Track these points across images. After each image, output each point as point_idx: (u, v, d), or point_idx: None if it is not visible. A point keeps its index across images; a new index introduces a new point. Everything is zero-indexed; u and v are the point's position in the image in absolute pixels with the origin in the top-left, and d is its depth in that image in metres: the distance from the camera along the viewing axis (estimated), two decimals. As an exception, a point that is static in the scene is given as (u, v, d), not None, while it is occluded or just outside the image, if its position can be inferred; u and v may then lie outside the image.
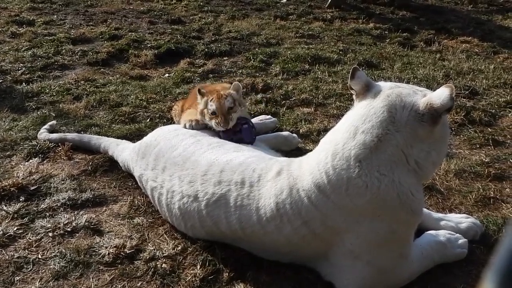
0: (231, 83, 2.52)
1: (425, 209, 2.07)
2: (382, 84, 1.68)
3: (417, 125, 1.53)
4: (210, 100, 2.31)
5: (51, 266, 1.86)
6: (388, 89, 1.61)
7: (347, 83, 1.71)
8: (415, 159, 1.56)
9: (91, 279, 1.80)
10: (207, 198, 1.83)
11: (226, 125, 2.26)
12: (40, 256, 1.92)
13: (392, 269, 1.67)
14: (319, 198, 1.61)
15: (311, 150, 1.85)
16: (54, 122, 2.98)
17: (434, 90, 1.59)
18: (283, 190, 1.68)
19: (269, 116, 3.04)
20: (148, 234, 2.04)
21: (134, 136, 2.83)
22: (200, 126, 2.34)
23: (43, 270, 1.85)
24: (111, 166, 2.55)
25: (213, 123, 2.29)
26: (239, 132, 2.32)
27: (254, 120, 2.95)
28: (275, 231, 1.69)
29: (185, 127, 2.35)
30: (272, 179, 1.73)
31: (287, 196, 1.67)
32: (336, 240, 1.64)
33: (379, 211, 1.57)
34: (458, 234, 1.90)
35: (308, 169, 1.66)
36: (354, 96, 1.73)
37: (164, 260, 1.88)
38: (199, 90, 2.40)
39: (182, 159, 2.00)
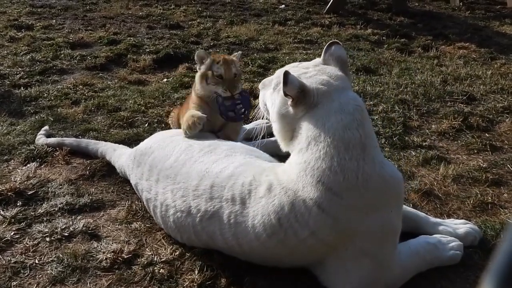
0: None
1: (423, 214, 2.08)
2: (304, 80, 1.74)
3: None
4: (217, 63, 2.22)
5: (48, 271, 1.85)
6: (326, 82, 1.72)
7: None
8: None
9: (88, 284, 1.80)
10: (201, 215, 1.81)
11: (234, 90, 2.19)
12: (37, 261, 1.91)
13: (388, 264, 1.68)
14: (332, 202, 1.58)
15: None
16: (47, 127, 2.97)
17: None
18: (283, 205, 1.64)
19: (267, 121, 3.03)
20: (145, 239, 2.04)
21: (132, 141, 2.83)
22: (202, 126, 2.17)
23: (40, 275, 1.84)
24: (109, 170, 2.55)
25: (219, 90, 2.21)
26: (239, 100, 2.23)
27: (252, 125, 2.96)
28: (278, 245, 1.68)
29: (185, 134, 2.22)
30: (265, 195, 1.69)
31: (290, 210, 1.63)
32: (341, 243, 1.63)
33: (387, 188, 1.63)
34: (451, 237, 1.91)
35: (313, 179, 1.62)
36: (289, 102, 1.71)
37: (161, 265, 1.87)
38: (200, 51, 2.29)
39: (174, 172, 1.97)
